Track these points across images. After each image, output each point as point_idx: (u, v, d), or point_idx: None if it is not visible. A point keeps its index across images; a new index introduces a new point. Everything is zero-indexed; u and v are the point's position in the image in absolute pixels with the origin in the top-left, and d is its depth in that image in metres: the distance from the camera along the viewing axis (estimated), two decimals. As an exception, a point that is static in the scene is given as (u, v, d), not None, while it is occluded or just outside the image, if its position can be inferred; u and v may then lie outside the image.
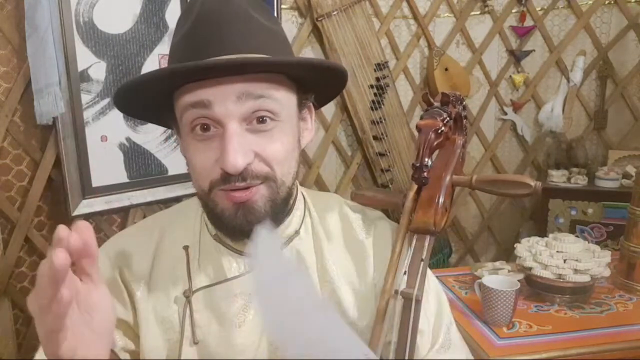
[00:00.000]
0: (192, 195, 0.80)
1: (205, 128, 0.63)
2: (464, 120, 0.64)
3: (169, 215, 0.82)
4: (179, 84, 0.63)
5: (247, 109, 0.62)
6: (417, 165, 0.54)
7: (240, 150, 0.61)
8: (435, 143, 0.55)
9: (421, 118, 0.57)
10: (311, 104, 0.73)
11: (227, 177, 0.62)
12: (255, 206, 0.65)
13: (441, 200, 0.57)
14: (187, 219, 0.78)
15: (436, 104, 0.59)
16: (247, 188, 0.63)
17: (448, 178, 0.59)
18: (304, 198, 0.79)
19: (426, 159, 0.54)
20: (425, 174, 0.55)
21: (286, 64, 0.65)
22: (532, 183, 0.53)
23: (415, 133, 0.58)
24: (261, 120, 0.63)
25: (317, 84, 0.70)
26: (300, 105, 0.70)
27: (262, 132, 0.63)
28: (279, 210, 0.69)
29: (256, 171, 0.63)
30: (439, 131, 0.55)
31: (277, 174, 0.65)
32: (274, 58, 0.64)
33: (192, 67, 0.59)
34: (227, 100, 0.61)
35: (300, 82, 0.69)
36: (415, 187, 0.59)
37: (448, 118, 0.57)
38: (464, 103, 0.65)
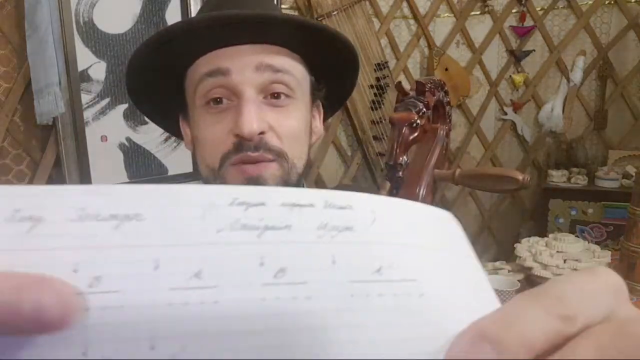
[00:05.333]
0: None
1: (218, 101, 0.62)
2: (447, 107, 0.57)
3: None
4: (195, 52, 0.62)
5: (265, 79, 0.61)
6: (391, 164, 0.49)
7: (256, 116, 0.59)
8: (410, 138, 0.49)
9: (394, 110, 0.51)
10: (320, 104, 0.72)
11: (240, 145, 0.60)
12: (267, 184, 0.62)
13: (421, 197, 0.51)
14: None
15: (411, 93, 0.52)
16: (258, 161, 0.61)
17: (429, 173, 0.51)
18: None
19: (401, 157, 0.49)
20: (400, 173, 0.49)
21: (319, 27, 0.64)
22: (520, 177, 0.45)
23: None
24: (276, 95, 0.62)
25: (330, 72, 0.69)
26: (312, 96, 0.69)
27: (277, 106, 0.62)
28: None
29: (270, 144, 0.61)
30: (414, 125, 0.49)
31: (289, 153, 0.63)
32: (306, 19, 0.64)
33: (226, 16, 0.57)
34: (245, 69, 0.60)
35: (313, 69, 0.68)
36: (387, 186, 0.52)
37: (425, 109, 0.51)
38: (445, 88, 0.56)
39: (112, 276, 0.19)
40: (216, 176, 0.63)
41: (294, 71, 0.63)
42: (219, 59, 0.60)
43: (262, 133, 0.60)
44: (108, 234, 0.20)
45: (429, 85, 0.54)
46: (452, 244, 0.25)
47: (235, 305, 0.20)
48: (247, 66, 0.60)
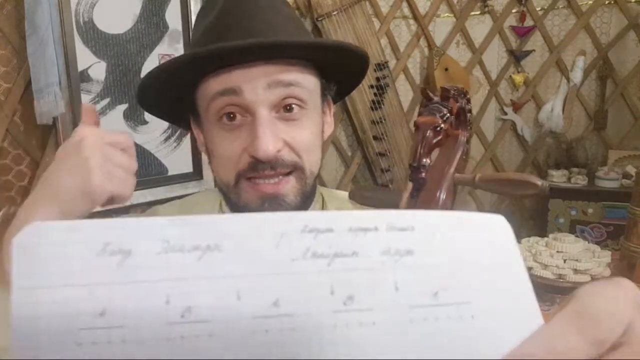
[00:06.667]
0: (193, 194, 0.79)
1: (231, 117, 0.62)
2: (468, 115, 0.60)
3: (184, 205, 0.80)
4: (207, 71, 0.62)
5: (277, 97, 0.61)
6: (415, 165, 0.51)
7: (271, 136, 0.60)
8: (434, 141, 0.51)
9: (419, 114, 0.53)
10: (330, 98, 0.73)
11: (255, 165, 0.61)
12: (287, 199, 0.63)
13: (442, 200, 0.53)
14: (202, 210, 0.76)
15: (436, 99, 0.55)
16: (275, 177, 0.62)
17: (450, 177, 0.54)
18: (321, 194, 0.78)
19: (424, 159, 0.51)
20: (423, 174, 0.51)
21: (320, 46, 0.65)
22: (539, 183, 0.47)
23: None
24: (289, 108, 0.62)
25: (340, 72, 0.70)
26: (323, 96, 0.69)
27: (290, 120, 0.63)
28: (307, 202, 0.67)
29: (286, 160, 0.62)
30: (438, 129, 0.51)
31: (305, 163, 0.64)
32: (312, 40, 0.65)
33: (230, 47, 0.58)
34: (257, 87, 0.60)
35: (324, 71, 0.68)
36: (410, 187, 0.54)
37: (448, 114, 0.53)
38: (468, 96, 0.59)
39: (201, 306, 0.21)
40: (232, 190, 0.65)
41: (305, 83, 0.63)
42: (230, 77, 0.60)
43: (277, 151, 0.61)
44: (193, 265, 0.22)
45: (453, 92, 0.56)
46: (503, 256, 0.26)
47: (310, 331, 0.22)
48: (259, 85, 0.60)
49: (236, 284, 0.22)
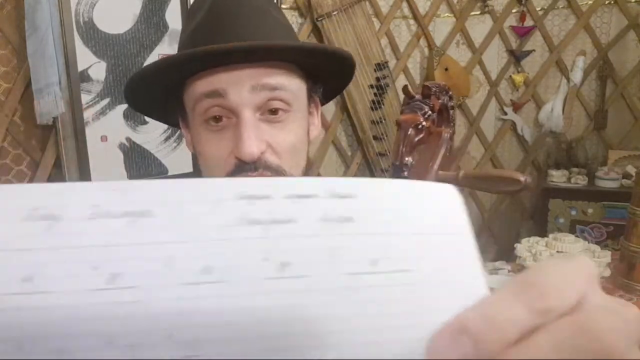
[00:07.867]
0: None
1: (217, 119, 0.63)
2: (451, 112, 0.59)
3: None
4: (193, 72, 0.63)
5: (261, 99, 0.62)
6: (397, 164, 0.51)
7: (255, 138, 0.61)
8: (416, 139, 0.51)
9: (401, 113, 0.53)
10: (317, 99, 0.74)
11: (240, 167, 0.62)
12: None
13: None
14: None
15: (417, 96, 0.54)
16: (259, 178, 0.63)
17: (433, 174, 0.53)
18: None
19: (406, 158, 0.51)
20: (405, 173, 0.51)
21: (306, 49, 0.65)
22: (522, 178, 0.47)
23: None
24: (273, 111, 0.63)
25: (326, 74, 0.70)
26: (310, 98, 0.70)
27: (275, 122, 0.64)
28: None
29: (268, 162, 0.63)
30: (420, 126, 0.51)
31: (286, 166, 0.65)
32: (296, 43, 0.65)
33: (213, 50, 0.59)
34: (242, 90, 0.61)
35: (310, 73, 0.69)
36: None
37: (430, 112, 0.53)
38: (450, 93, 0.59)
39: (129, 273, 0.20)
40: None
41: (290, 86, 0.64)
42: (215, 79, 0.61)
43: (261, 152, 0.62)
44: (123, 231, 0.21)
45: (435, 89, 0.55)
46: (451, 226, 0.25)
47: (241, 298, 0.21)
48: (244, 87, 0.61)
49: (167, 250, 0.21)
